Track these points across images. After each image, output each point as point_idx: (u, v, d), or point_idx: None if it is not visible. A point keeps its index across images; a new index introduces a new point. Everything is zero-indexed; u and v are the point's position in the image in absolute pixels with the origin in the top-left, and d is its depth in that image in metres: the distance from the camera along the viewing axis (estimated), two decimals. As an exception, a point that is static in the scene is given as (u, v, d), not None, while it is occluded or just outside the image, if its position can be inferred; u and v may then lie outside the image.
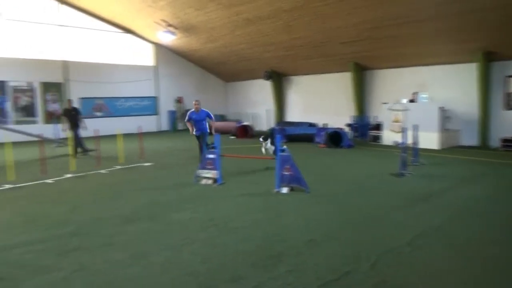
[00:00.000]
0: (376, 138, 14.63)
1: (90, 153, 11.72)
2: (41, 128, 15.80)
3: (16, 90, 17.32)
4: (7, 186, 7.65)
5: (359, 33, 13.60)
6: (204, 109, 9.90)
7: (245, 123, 17.99)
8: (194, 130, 9.80)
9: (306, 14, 13.37)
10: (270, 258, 3.99)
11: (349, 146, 13.21)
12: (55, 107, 18.21)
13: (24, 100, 17.52)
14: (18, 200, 6.60)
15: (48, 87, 18.13)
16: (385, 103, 14.32)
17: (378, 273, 3.65)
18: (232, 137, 17.14)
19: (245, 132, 17.13)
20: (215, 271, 3.71)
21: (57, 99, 18.04)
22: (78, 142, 11.62)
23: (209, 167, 7.56)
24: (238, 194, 6.72)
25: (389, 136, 13.72)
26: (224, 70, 22.95)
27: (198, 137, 9.95)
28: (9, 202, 6.52)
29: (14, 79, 17.18)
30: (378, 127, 14.82)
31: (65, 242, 4.53)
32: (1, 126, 13.82)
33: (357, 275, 3.62)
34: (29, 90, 17.63)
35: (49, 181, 8.15)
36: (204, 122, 9.82)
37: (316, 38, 15.01)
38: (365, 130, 15.65)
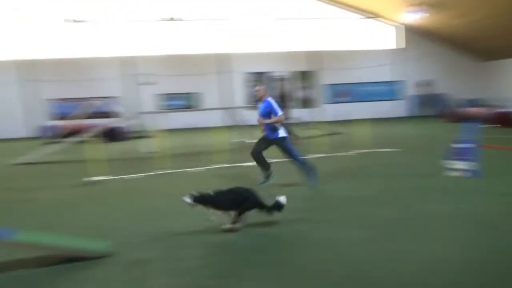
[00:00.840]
0: None
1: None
2: (296, 112, 18.03)
3: (277, 79, 20.38)
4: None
5: None
6: (269, 100, 6.38)
7: (509, 109, 15.08)
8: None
9: None
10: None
11: None
12: (305, 93, 20.44)
13: (283, 88, 20.45)
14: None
15: (301, 75, 20.50)
16: None
17: None
18: (487, 125, 14.68)
19: (507, 120, 14.38)
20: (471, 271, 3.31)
21: (308, 86, 20.11)
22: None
23: (463, 157, 6.76)
24: (500, 193, 5.74)
25: None
26: (478, 48, 19.82)
27: (265, 139, 6.57)
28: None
29: (275, 70, 20.22)
30: None
31: (314, 215, 5.07)
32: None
33: None
34: (287, 79, 20.39)
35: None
36: (268, 119, 6.34)
37: None
38: None
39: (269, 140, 6.47)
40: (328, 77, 20.49)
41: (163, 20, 18.95)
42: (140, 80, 18.35)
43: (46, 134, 15.32)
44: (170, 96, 19.29)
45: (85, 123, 15.28)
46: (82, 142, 11.72)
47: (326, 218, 4.90)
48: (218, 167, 8.53)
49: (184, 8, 19.09)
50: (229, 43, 19.50)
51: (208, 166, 8.64)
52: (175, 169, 8.34)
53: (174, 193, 6.20)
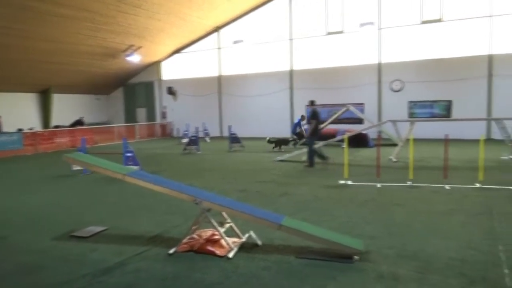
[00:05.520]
0: None
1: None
2: None
3: None
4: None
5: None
6: None
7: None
8: None
9: None
10: None
11: None
12: None
13: None
14: None
15: None
16: None
17: None
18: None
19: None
20: None
21: None
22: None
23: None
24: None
25: None
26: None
27: None
28: None
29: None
30: None
31: None
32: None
33: None
34: None
35: None
36: None
37: None
38: None
39: None
40: None
41: (424, 23, 17.38)
42: (392, 86, 17.79)
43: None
44: (421, 104, 17.63)
45: (335, 128, 15.93)
46: (331, 145, 12.23)
47: None
48: (484, 187, 6.93)
49: (444, 7, 16.99)
50: (493, 43, 16.04)
51: (475, 184, 7.12)
52: (430, 184, 7.38)
53: (431, 211, 5.46)
